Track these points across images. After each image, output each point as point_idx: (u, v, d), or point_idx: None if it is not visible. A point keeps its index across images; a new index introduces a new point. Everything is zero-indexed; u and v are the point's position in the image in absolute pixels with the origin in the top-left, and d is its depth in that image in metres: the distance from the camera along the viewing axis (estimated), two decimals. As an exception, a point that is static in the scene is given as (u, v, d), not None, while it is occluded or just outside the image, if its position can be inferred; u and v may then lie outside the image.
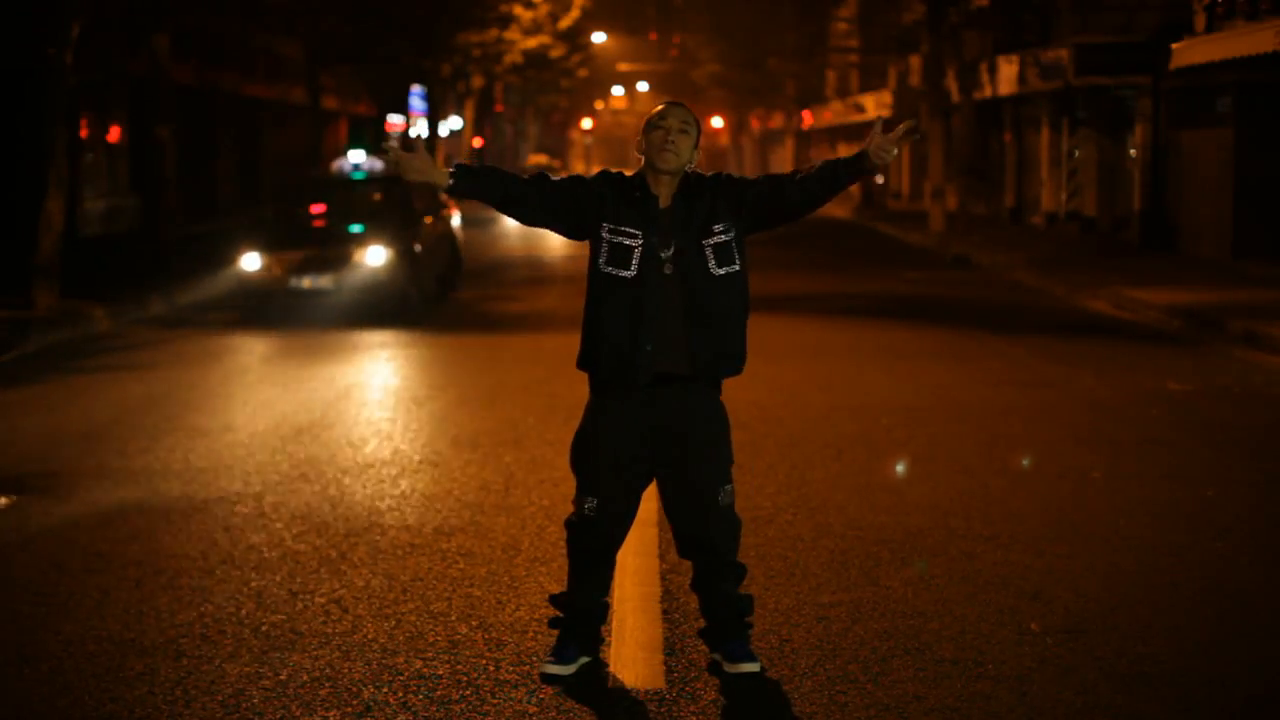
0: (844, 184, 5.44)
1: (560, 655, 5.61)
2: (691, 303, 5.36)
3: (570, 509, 5.61)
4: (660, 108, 5.54)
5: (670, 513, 5.59)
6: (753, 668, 5.51)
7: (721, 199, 5.44)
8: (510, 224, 40.73)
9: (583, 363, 5.53)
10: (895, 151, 5.30)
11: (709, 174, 5.53)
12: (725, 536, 5.52)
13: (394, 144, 5.45)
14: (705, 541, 5.51)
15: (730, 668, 5.53)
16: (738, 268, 5.42)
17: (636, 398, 5.42)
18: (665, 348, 5.36)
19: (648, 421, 5.43)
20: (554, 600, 5.74)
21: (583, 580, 5.63)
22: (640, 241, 5.37)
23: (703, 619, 5.70)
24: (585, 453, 5.53)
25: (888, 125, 5.44)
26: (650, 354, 5.35)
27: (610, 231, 5.40)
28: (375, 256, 17.67)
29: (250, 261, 17.79)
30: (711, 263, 5.38)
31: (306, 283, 17.54)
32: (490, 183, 5.47)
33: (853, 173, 5.39)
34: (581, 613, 5.64)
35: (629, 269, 5.36)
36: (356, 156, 19.76)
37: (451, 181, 5.41)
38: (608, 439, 5.46)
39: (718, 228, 5.40)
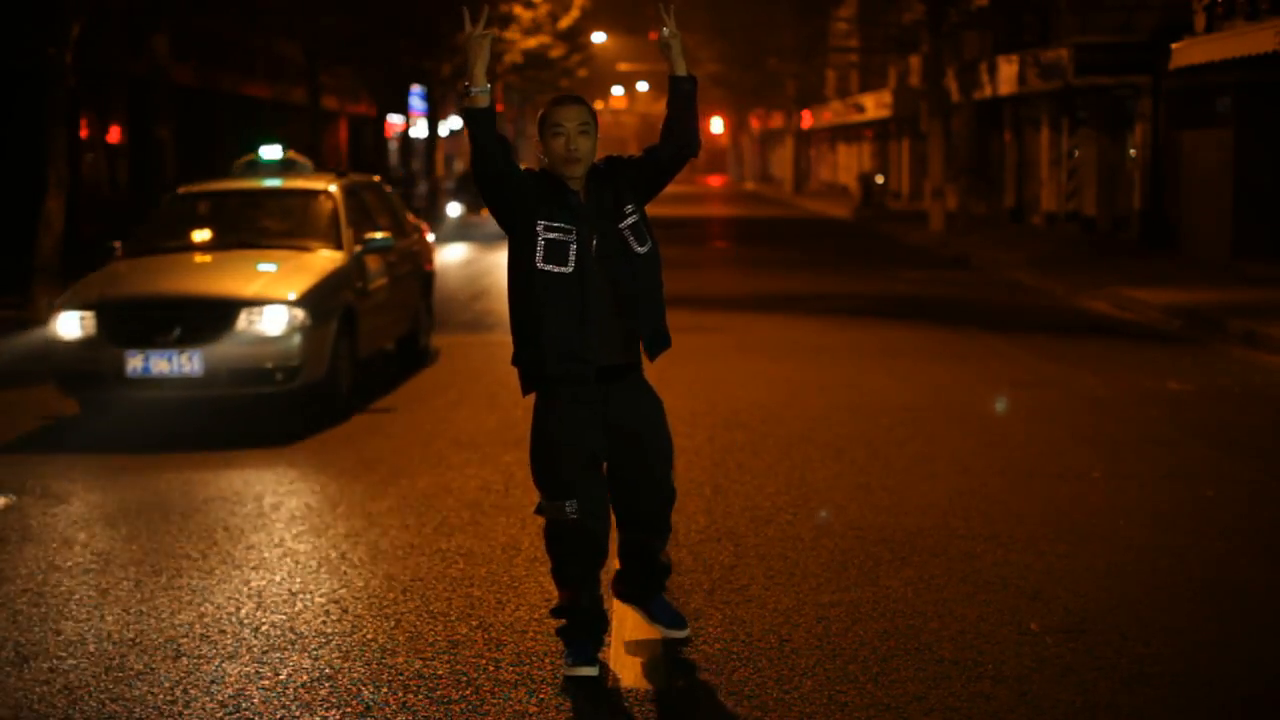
0: (679, 90, 5.53)
1: (580, 656, 5.61)
2: (622, 286, 5.44)
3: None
4: (554, 107, 5.47)
5: (622, 496, 5.68)
6: (685, 633, 5.87)
7: (622, 179, 5.53)
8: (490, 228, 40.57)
9: (520, 361, 5.52)
10: (667, 32, 5.49)
11: (602, 161, 5.56)
12: (667, 506, 5.78)
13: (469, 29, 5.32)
14: (655, 517, 5.73)
15: (666, 634, 5.84)
16: (653, 243, 5.56)
17: (590, 396, 5.47)
18: (606, 339, 5.46)
19: (604, 418, 5.52)
20: (556, 612, 5.74)
21: (581, 581, 5.63)
22: (574, 237, 5.40)
23: (623, 570, 5.87)
24: (553, 458, 5.53)
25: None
26: (596, 348, 5.43)
27: (545, 229, 5.39)
28: (273, 320, 10.68)
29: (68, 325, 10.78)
30: (632, 242, 5.48)
31: (156, 364, 10.50)
32: (497, 134, 5.32)
33: (675, 79, 5.53)
34: (587, 611, 5.66)
35: (567, 265, 5.39)
36: (271, 152, 13.23)
37: (486, 99, 5.28)
38: (573, 439, 5.49)
39: (628, 209, 5.50)
